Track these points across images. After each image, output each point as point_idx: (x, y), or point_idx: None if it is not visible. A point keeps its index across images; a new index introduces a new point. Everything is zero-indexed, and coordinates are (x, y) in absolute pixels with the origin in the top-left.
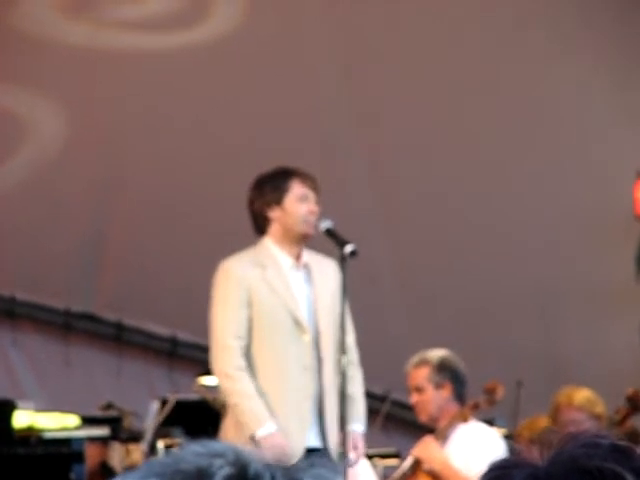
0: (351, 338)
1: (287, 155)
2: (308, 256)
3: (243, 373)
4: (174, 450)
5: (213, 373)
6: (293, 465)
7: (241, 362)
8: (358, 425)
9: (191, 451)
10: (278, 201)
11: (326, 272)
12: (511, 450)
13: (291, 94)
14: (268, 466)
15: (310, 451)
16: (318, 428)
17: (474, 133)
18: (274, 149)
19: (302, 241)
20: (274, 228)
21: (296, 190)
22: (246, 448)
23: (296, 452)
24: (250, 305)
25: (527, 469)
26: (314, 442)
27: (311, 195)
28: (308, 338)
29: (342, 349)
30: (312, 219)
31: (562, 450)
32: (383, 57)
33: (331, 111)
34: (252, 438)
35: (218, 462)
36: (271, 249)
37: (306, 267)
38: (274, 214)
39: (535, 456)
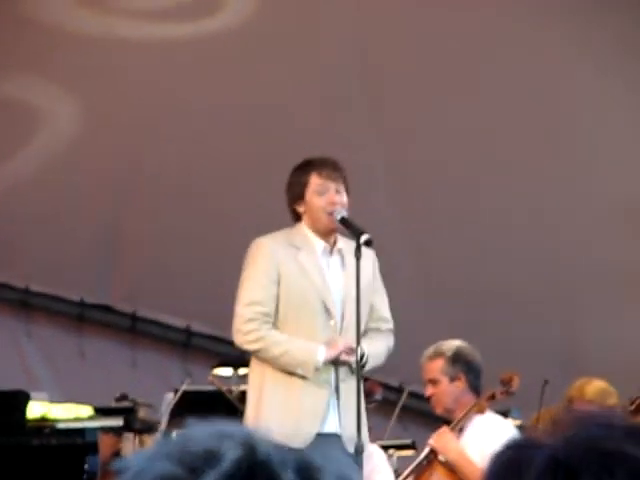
0: (385, 313)
1: (304, 145)
2: (344, 243)
3: (266, 327)
4: (183, 431)
5: (240, 347)
6: (303, 449)
7: (260, 325)
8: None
9: (200, 432)
10: (301, 196)
11: (362, 260)
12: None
13: (307, 83)
14: (278, 448)
15: (325, 437)
16: (336, 414)
17: (493, 121)
18: (291, 138)
19: (330, 233)
20: (305, 219)
21: (313, 184)
22: (256, 430)
23: (307, 437)
24: (279, 283)
25: (546, 450)
26: (330, 428)
27: (331, 185)
28: (334, 323)
29: (357, 340)
30: (333, 209)
31: (578, 432)
32: (401, 46)
33: (347, 102)
34: (317, 368)
35: (227, 444)
36: (306, 233)
37: (340, 253)
38: (301, 208)
39: (549, 438)
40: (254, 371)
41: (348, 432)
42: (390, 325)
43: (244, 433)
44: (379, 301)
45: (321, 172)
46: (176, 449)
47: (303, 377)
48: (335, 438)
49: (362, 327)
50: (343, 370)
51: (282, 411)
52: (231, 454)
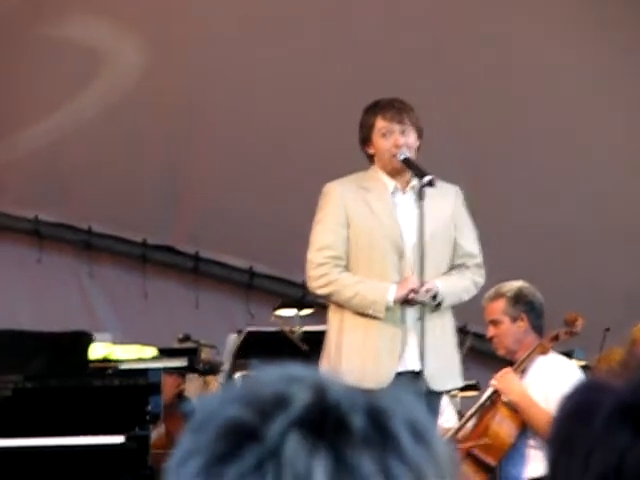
0: (470, 248)
1: (367, 88)
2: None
3: (336, 270)
4: (251, 374)
5: (313, 293)
6: (375, 391)
7: (331, 268)
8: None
9: (269, 376)
10: (369, 138)
11: (441, 197)
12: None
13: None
14: (348, 391)
15: (405, 375)
16: (416, 352)
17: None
18: (351, 81)
19: (400, 173)
20: (376, 161)
21: (378, 126)
22: (327, 373)
23: (385, 377)
24: (348, 226)
25: (614, 394)
26: (411, 366)
27: (395, 127)
28: (407, 262)
29: (422, 280)
30: (397, 151)
31: None
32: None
33: (415, 40)
34: (389, 307)
35: (296, 387)
36: (377, 174)
37: (415, 191)
38: (370, 150)
39: (617, 381)
40: (333, 315)
41: (429, 370)
42: (477, 260)
43: (314, 376)
44: (463, 236)
45: (385, 114)
46: (245, 393)
47: (377, 318)
48: (413, 376)
49: (446, 263)
50: (421, 308)
51: (361, 352)
52: (301, 398)
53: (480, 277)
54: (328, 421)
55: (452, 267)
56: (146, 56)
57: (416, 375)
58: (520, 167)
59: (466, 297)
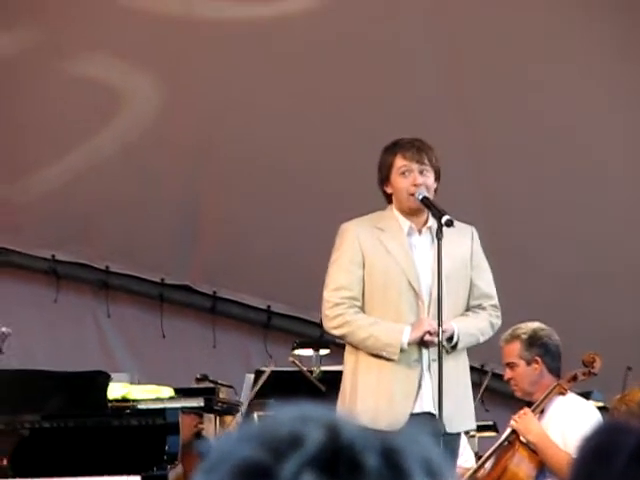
0: (486, 289)
1: (386, 123)
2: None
3: (351, 311)
4: (267, 414)
5: (328, 333)
6: (389, 431)
7: (346, 309)
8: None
9: (284, 415)
10: (387, 177)
11: (457, 237)
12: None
13: (388, 75)
14: (362, 431)
15: (419, 416)
16: (430, 394)
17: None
18: (372, 116)
19: (417, 213)
20: (394, 200)
21: (398, 165)
22: (342, 414)
23: (399, 418)
24: (363, 266)
25: (634, 435)
26: (425, 407)
27: (414, 167)
28: (422, 302)
29: (439, 322)
30: (415, 190)
31: None
32: (485, 37)
33: (429, 91)
34: (403, 349)
35: (310, 427)
36: (394, 214)
37: (430, 232)
38: (389, 190)
39: (636, 423)
40: (348, 356)
41: (445, 412)
42: (493, 301)
43: (328, 416)
44: (480, 277)
45: (405, 154)
46: (259, 432)
47: (391, 359)
48: (429, 417)
49: (462, 305)
50: (437, 349)
51: (375, 394)
52: (314, 438)
53: (497, 318)
54: (342, 461)
55: (468, 308)
56: (163, 95)
57: (432, 416)
58: (536, 208)
59: (482, 339)
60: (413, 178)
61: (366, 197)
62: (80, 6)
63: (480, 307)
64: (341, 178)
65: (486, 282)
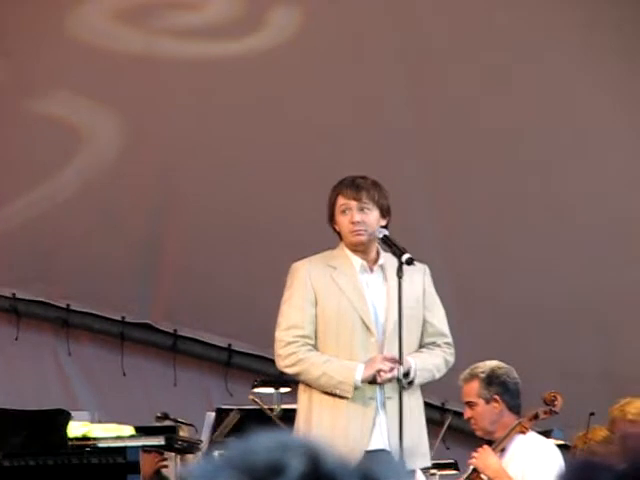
0: (440, 326)
1: (346, 164)
2: (387, 259)
3: (304, 349)
4: (245, 442)
5: (280, 370)
6: (366, 461)
7: (299, 347)
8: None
9: (262, 444)
10: (333, 215)
11: (410, 276)
12: (581, 455)
13: (352, 102)
14: (341, 460)
15: (374, 453)
16: (385, 431)
17: (528, 134)
18: (331, 158)
19: (363, 249)
20: (342, 238)
21: (339, 203)
22: (319, 441)
23: (354, 455)
24: (316, 304)
25: (612, 471)
26: (379, 445)
27: (353, 204)
28: (375, 339)
29: (400, 358)
30: (355, 228)
31: None
32: (450, 59)
33: (395, 119)
34: (357, 387)
35: (290, 456)
36: (344, 251)
37: (382, 270)
38: (337, 227)
39: (613, 459)
40: (302, 394)
41: (397, 448)
42: (447, 339)
43: (307, 444)
44: (434, 315)
45: (345, 192)
46: (240, 460)
47: (345, 397)
48: (385, 454)
49: (416, 343)
50: (391, 387)
51: (330, 432)
52: (295, 467)
53: (450, 356)
54: None
55: (422, 345)
56: (125, 134)
57: (387, 453)
58: (495, 245)
59: (437, 375)
60: (351, 216)
61: (325, 236)
62: (44, 45)
63: (434, 344)
64: (301, 217)
65: (439, 320)
